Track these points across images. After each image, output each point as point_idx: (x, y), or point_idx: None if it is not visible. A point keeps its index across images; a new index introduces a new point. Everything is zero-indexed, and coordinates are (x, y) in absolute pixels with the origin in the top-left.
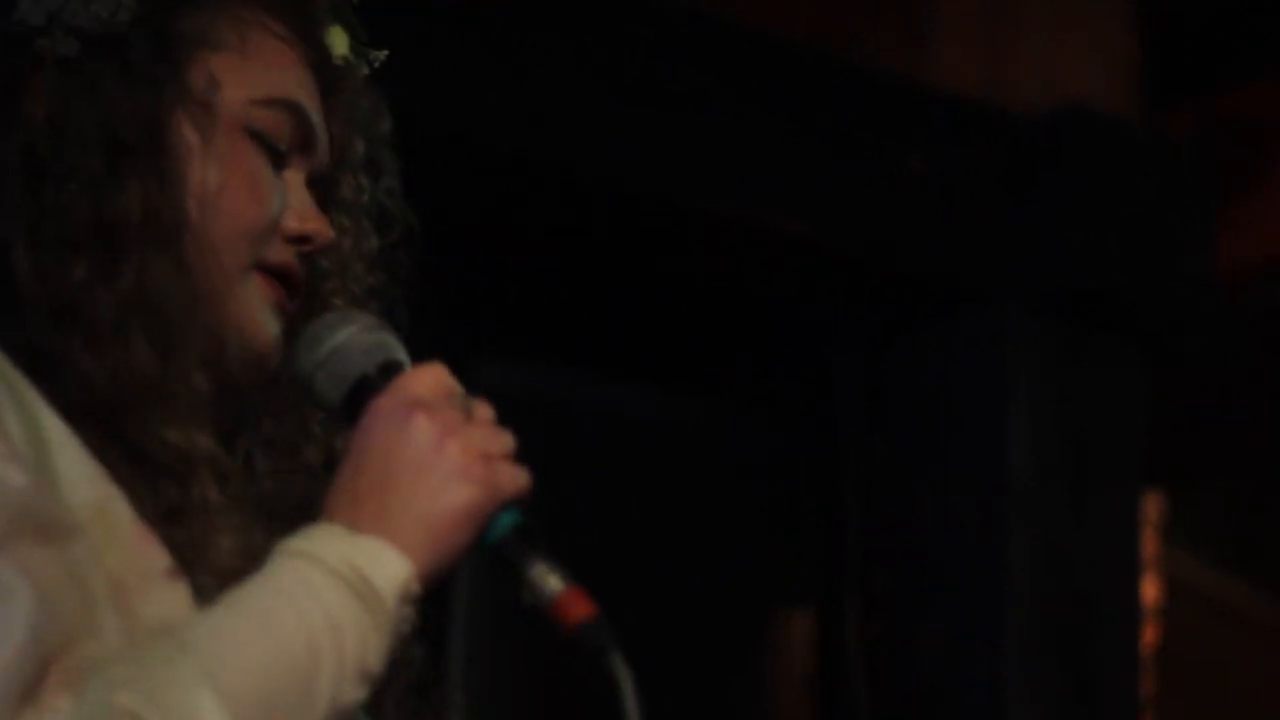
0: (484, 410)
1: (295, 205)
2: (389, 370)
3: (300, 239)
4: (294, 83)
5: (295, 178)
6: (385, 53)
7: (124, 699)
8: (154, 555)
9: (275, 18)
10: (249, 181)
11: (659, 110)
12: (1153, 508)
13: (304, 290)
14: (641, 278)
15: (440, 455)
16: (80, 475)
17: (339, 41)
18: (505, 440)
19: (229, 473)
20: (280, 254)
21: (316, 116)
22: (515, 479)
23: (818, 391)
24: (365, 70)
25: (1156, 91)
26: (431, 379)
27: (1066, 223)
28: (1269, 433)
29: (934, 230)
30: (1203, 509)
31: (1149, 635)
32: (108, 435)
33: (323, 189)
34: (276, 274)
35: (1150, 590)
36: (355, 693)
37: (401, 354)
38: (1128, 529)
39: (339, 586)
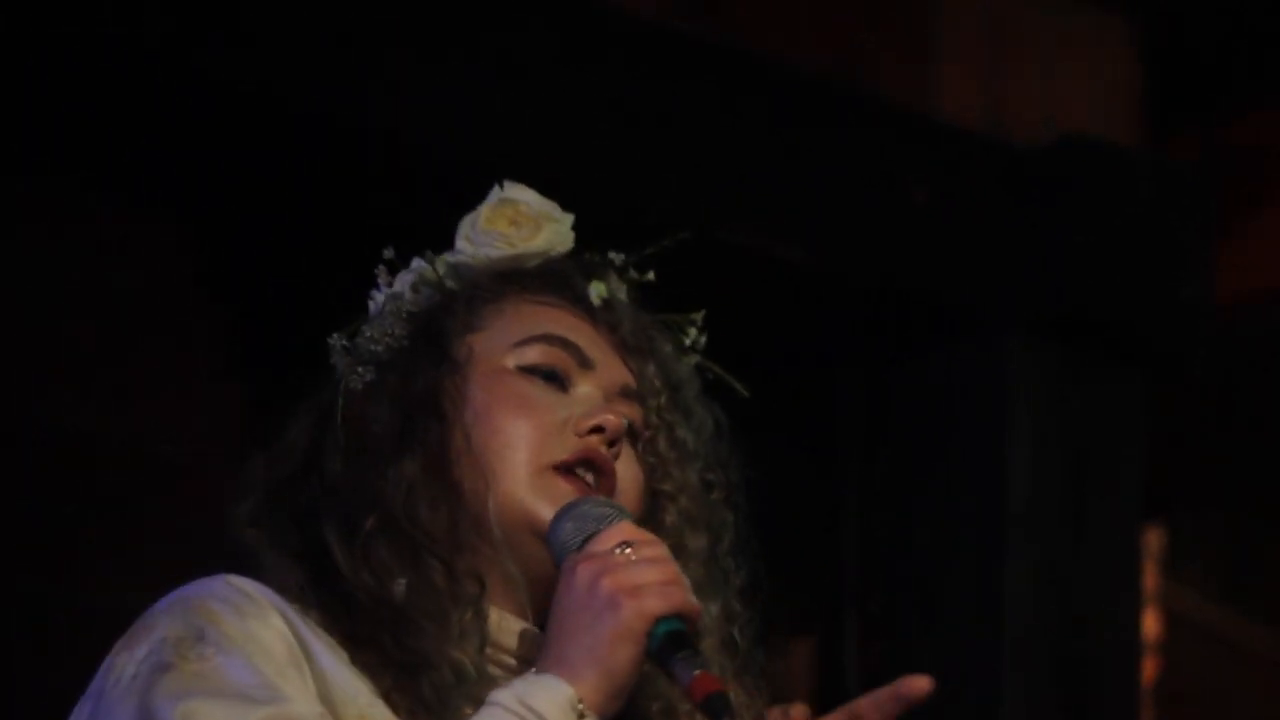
0: (648, 550)
1: (585, 407)
2: (587, 540)
3: (594, 430)
4: (552, 322)
5: (585, 391)
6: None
7: None
8: None
9: (532, 292)
10: (513, 405)
11: (661, 136)
12: (1154, 541)
13: (612, 470)
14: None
15: (594, 593)
16: (349, 694)
17: (597, 291)
18: (658, 570)
19: (484, 673)
20: (572, 448)
21: (588, 342)
22: (664, 599)
23: (818, 416)
24: (631, 305)
25: (1158, 119)
26: (607, 536)
27: (1067, 248)
28: (1271, 462)
29: (935, 256)
30: (1204, 542)
31: (1149, 669)
32: (384, 655)
33: (639, 405)
34: (579, 464)
35: (1151, 623)
36: None
37: (606, 524)
38: (1128, 555)
39: (509, 718)
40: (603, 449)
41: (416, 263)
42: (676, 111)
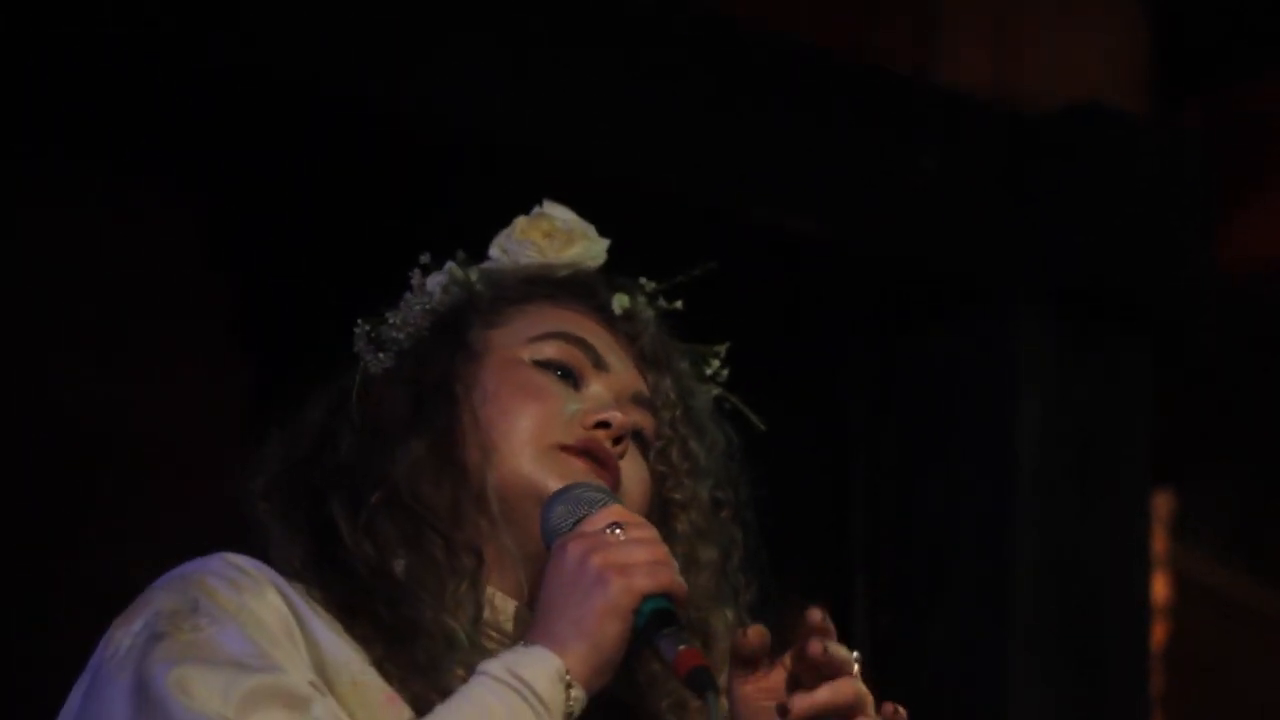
0: (638, 531)
1: (594, 403)
2: (578, 522)
3: (600, 425)
4: (571, 323)
5: (597, 389)
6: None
7: None
8: (399, 711)
9: (557, 297)
10: (523, 390)
11: (670, 110)
12: (1162, 506)
13: (615, 465)
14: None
15: (583, 569)
16: (341, 662)
17: (619, 302)
18: (646, 550)
19: (476, 644)
20: (576, 437)
21: (605, 346)
22: (652, 578)
23: (827, 387)
24: (652, 318)
25: (1165, 88)
26: (598, 517)
27: (1074, 219)
28: (1274, 428)
29: (943, 227)
30: (1212, 507)
31: (1158, 633)
32: (377, 624)
33: (651, 414)
34: (583, 452)
35: (1160, 588)
36: None
37: (597, 507)
38: (1136, 524)
39: (497, 687)
40: (607, 444)
41: (448, 266)
42: (683, 85)
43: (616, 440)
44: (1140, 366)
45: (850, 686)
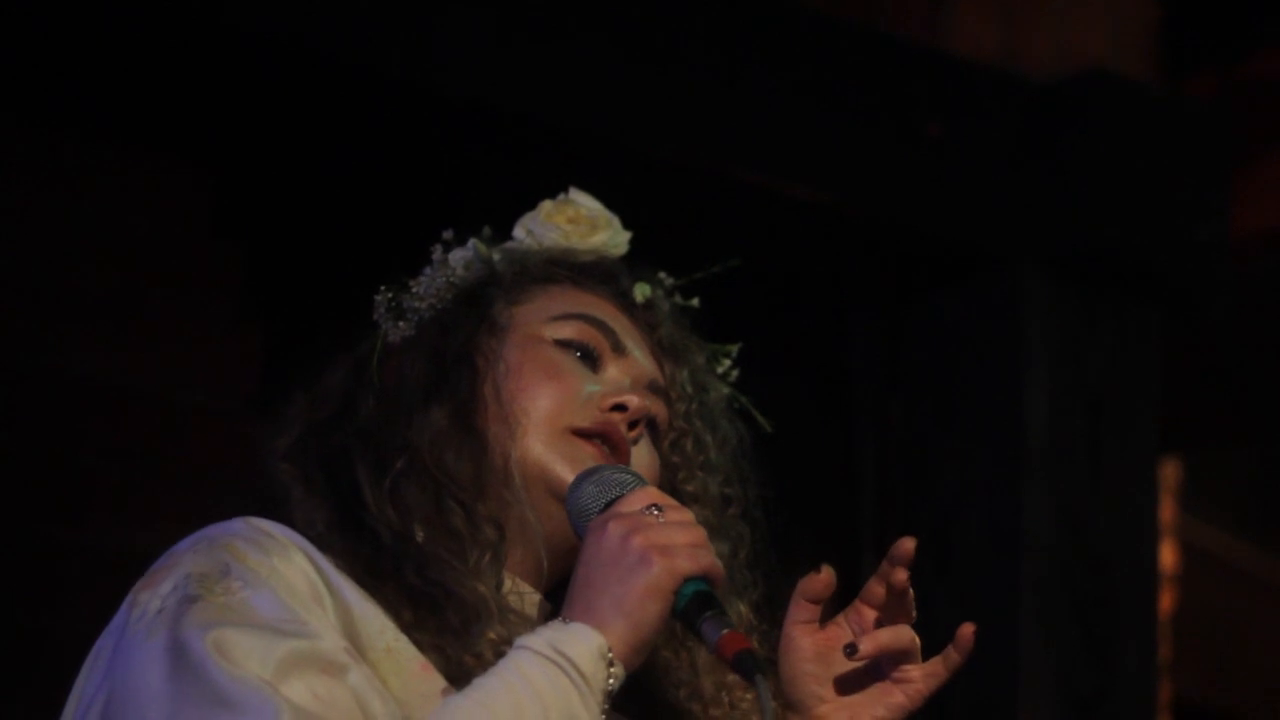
0: (677, 514)
1: (611, 387)
2: (611, 503)
3: (616, 408)
4: (593, 306)
5: (614, 373)
6: (695, 301)
7: None
8: (432, 680)
9: (579, 280)
10: (543, 369)
11: (677, 76)
12: (1170, 474)
13: (627, 450)
14: (653, 239)
15: (625, 549)
16: (374, 629)
17: (640, 291)
18: (687, 532)
19: (508, 612)
20: (592, 419)
21: (624, 331)
22: (694, 560)
23: (835, 354)
24: (669, 308)
25: (1175, 55)
26: (634, 498)
27: (1083, 186)
28: None
29: (951, 193)
30: (1219, 475)
31: (1165, 601)
32: (406, 590)
33: (666, 403)
34: (596, 436)
35: (1167, 556)
36: None
37: (629, 489)
38: (1144, 489)
39: (541, 663)
40: (621, 428)
41: (471, 243)
42: (691, 50)
43: (631, 425)
44: (1148, 335)
45: (909, 631)
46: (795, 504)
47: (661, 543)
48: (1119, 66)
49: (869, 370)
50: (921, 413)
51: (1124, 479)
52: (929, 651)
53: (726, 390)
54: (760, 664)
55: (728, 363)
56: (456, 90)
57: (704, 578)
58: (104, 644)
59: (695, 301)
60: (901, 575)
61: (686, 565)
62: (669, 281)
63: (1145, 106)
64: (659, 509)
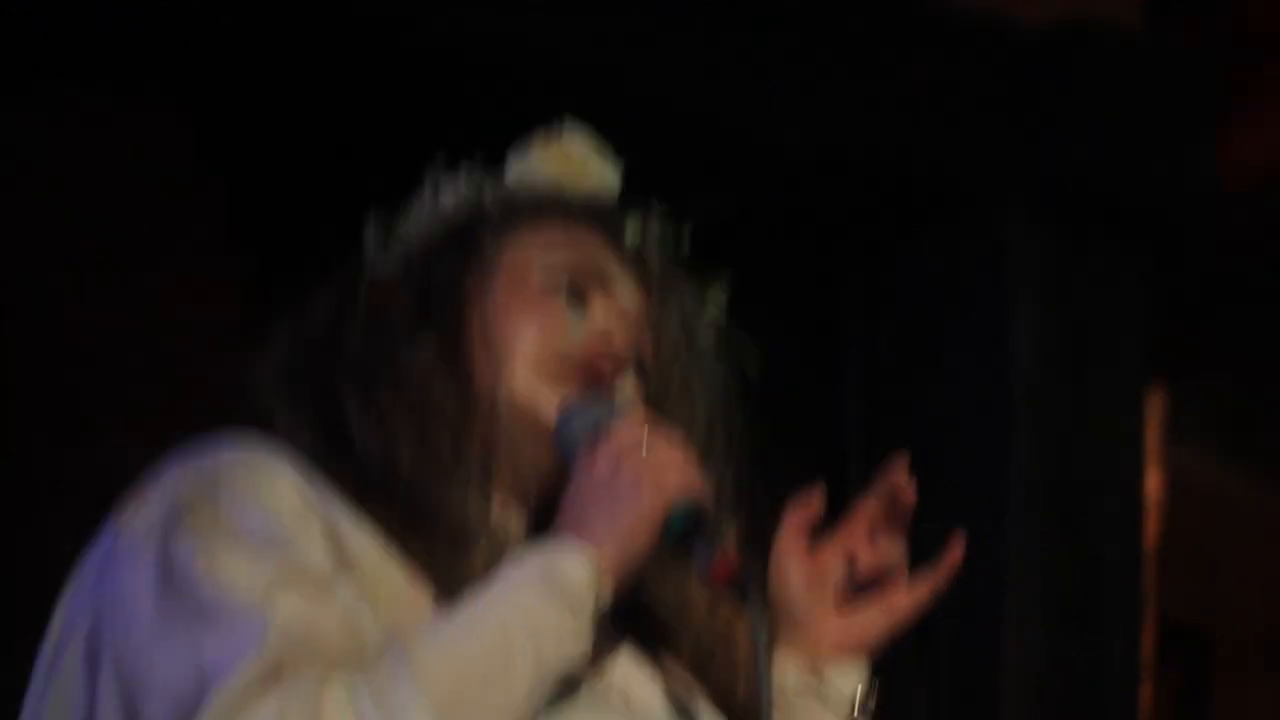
0: (667, 439)
1: (597, 324)
2: (600, 430)
3: (601, 346)
4: (581, 245)
5: (601, 310)
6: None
7: (337, 675)
8: (421, 597)
9: (569, 220)
10: (530, 305)
11: (665, 20)
12: (1156, 403)
13: (610, 385)
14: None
15: (617, 473)
16: (363, 546)
17: (633, 229)
18: (678, 456)
19: (496, 534)
20: (578, 357)
21: (613, 269)
22: (685, 485)
23: (823, 296)
24: (659, 245)
25: (1161, 3)
26: (625, 425)
27: (1070, 128)
28: (1271, 327)
29: (938, 134)
30: (1205, 404)
31: (1152, 530)
32: (394, 510)
33: (652, 342)
34: (581, 370)
35: (1153, 485)
36: (561, 659)
37: (619, 416)
38: (1130, 418)
39: (531, 583)
40: (606, 365)
41: (462, 174)
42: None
43: (616, 362)
44: (1136, 272)
45: (903, 546)
46: (783, 442)
47: (652, 467)
48: (1105, 12)
49: (857, 310)
50: (910, 351)
51: (1111, 411)
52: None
53: (716, 327)
54: (751, 587)
55: (715, 299)
56: (444, 22)
57: (695, 501)
58: (91, 560)
59: (687, 228)
60: (903, 477)
61: (677, 490)
62: (661, 209)
63: (1132, 52)
64: (650, 434)
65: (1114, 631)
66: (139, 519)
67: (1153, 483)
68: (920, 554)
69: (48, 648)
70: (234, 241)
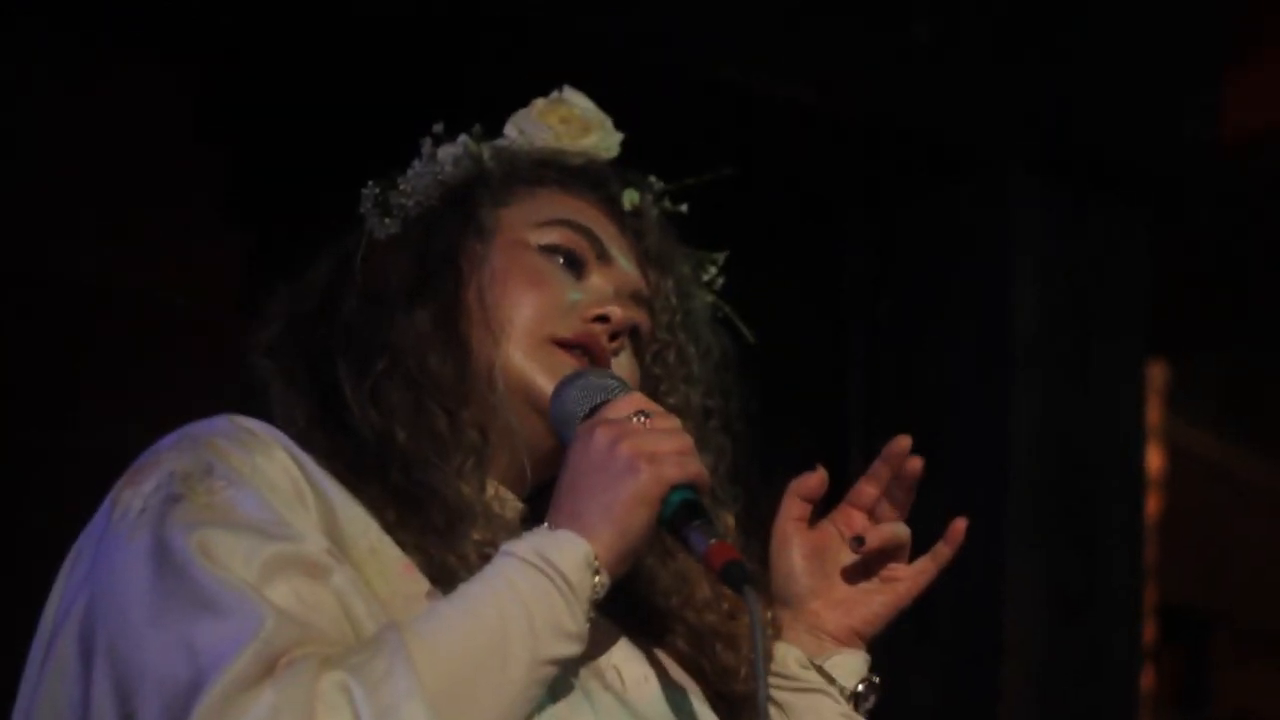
0: (664, 420)
1: (595, 296)
2: (596, 408)
3: (599, 319)
4: (575, 211)
5: (598, 281)
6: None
7: (331, 667)
8: (416, 581)
9: (567, 185)
10: (527, 276)
11: None
12: (1157, 376)
13: (608, 361)
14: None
15: (613, 456)
16: (358, 528)
17: (629, 198)
18: (674, 440)
19: (492, 515)
20: (574, 329)
21: (610, 239)
22: (681, 469)
23: (822, 258)
24: (657, 215)
25: None
26: (621, 404)
27: (1072, 87)
28: (1272, 298)
29: (938, 95)
30: (1206, 377)
31: (1152, 504)
32: (389, 489)
33: (649, 313)
34: (577, 346)
35: (1154, 458)
36: (558, 647)
37: (615, 394)
38: (1131, 391)
39: (525, 569)
40: (603, 339)
41: (462, 139)
42: None
43: (613, 336)
44: (1136, 236)
45: (906, 529)
46: (785, 405)
47: (649, 450)
48: None
49: (858, 273)
50: (910, 314)
51: (1111, 379)
52: (916, 553)
53: (711, 299)
54: (747, 574)
55: (714, 270)
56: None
57: (691, 486)
58: (85, 544)
59: (684, 207)
60: (915, 464)
61: (674, 473)
62: (659, 186)
63: (1133, 7)
64: (646, 415)
65: (1115, 613)
66: (135, 498)
67: (1154, 460)
68: (918, 528)
69: (43, 631)
70: (234, 218)
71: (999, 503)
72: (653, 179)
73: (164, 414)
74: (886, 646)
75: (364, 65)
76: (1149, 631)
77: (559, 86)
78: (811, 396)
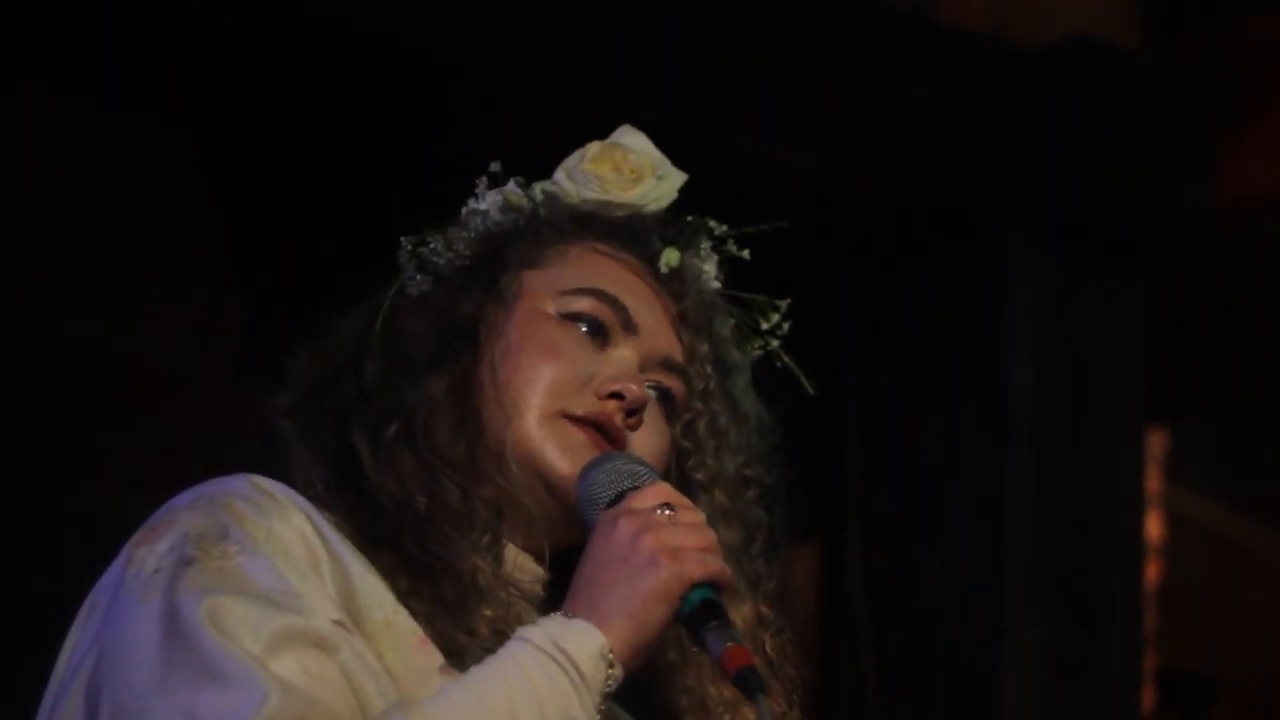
0: (688, 515)
1: (614, 371)
2: (621, 495)
3: (613, 395)
4: (607, 278)
5: (621, 353)
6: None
7: None
8: (430, 655)
9: (605, 242)
10: (541, 350)
11: (668, 40)
12: (1156, 444)
13: (623, 441)
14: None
15: (635, 549)
16: (373, 599)
17: (668, 259)
18: (698, 536)
19: (509, 587)
20: (588, 406)
21: (641, 307)
22: (703, 566)
23: (820, 319)
24: (704, 281)
25: (1163, 20)
26: (647, 494)
27: (1070, 151)
28: (1272, 365)
29: (938, 158)
30: (1205, 445)
31: (1151, 572)
32: (400, 556)
33: (682, 380)
34: (590, 423)
35: (1154, 526)
36: None
37: (642, 482)
38: (1130, 458)
39: (539, 658)
40: (617, 418)
41: (509, 184)
42: (679, 17)
43: (630, 413)
44: (1134, 301)
45: None
46: (780, 473)
47: (672, 545)
48: (1105, 33)
49: (855, 336)
50: (907, 378)
51: (1109, 446)
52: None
53: (774, 345)
54: (761, 683)
55: (775, 317)
56: (444, 51)
57: (712, 584)
58: (97, 599)
59: (746, 253)
60: None
61: (696, 570)
62: (719, 230)
63: (1131, 73)
64: (671, 508)
65: (1113, 680)
66: (149, 557)
67: (1153, 526)
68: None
69: (54, 683)
70: (232, 279)
71: (996, 569)
72: (712, 223)
73: (163, 474)
74: (888, 714)
75: (363, 127)
76: (1148, 698)
77: (553, 149)
78: (808, 462)
